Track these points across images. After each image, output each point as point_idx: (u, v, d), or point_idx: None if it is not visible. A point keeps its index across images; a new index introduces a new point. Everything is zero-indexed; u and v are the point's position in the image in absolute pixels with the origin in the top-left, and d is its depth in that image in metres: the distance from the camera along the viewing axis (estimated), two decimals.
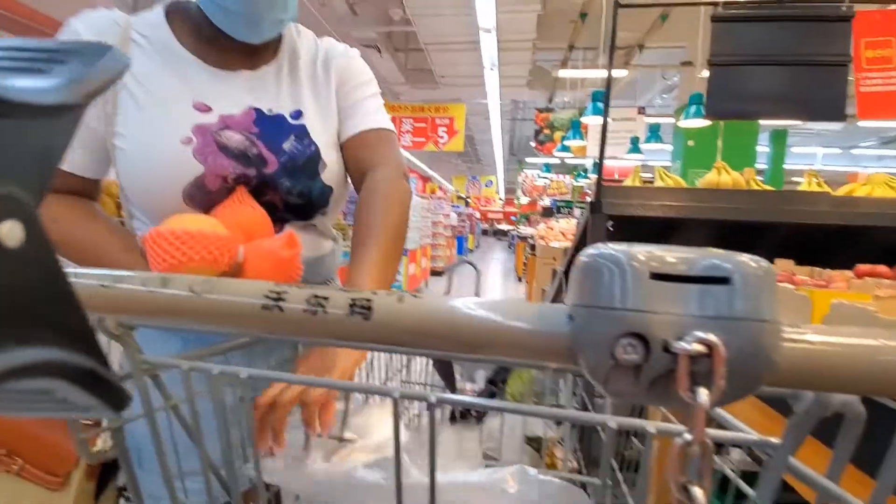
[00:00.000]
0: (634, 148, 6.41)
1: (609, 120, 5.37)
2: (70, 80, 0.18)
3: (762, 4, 1.36)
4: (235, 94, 0.71)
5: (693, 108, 4.46)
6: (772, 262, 1.41)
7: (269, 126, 0.71)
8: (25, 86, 0.17)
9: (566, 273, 2.04)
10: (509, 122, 11.29)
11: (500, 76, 6.44)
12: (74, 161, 0.68)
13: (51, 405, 0.20)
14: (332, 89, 0.77)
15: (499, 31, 5.00)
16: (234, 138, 0.68)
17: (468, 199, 20.55)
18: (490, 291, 8.25)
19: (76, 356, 0.19)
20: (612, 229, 1.36)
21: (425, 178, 15.18)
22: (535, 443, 0.82)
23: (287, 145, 0.71)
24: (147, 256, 0.55)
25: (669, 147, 6.91)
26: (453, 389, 0.76)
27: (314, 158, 0.72)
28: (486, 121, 9.55)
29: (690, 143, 6.35)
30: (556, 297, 2.32)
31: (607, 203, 1.36)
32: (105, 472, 0.84)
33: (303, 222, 0.75)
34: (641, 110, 6.97)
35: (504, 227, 26.46)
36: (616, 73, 6.37)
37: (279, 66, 0.75)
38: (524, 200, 17.75)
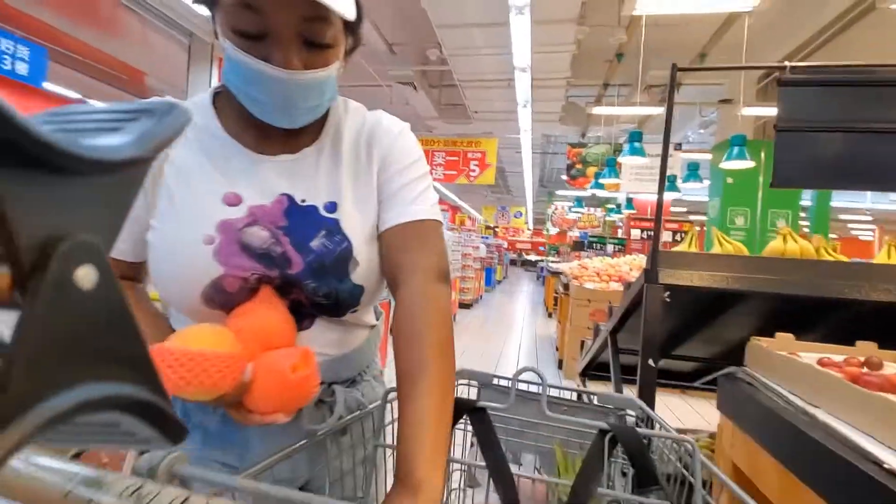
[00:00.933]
0: (671, 186, 6.27)
1: (645, 158, 5.23)
2: (139, 136, 0.19)
3: (832, 69, 1.28)
4: (270, 181, 0.66)
5: (735, 150, 4.33)
6: (851, 344, 1.29)
7: (299, 219, 0.65)
8: (97, 144, 0.18)
9: (612, 334, 1.94)
10: (540, 155, 11.29)
11: (533, 111, 6.45)
12: (116, 246, 0.65)
13: (116, 437, 0.21)
14: (373, 174, 0.71)
15: (533, 70, 5.03)
16: (259, 236, 0.63)
17: (496, 229, 20.50)
18: (522, 326, 8.09)
19: (142, 391, 0.20)
20: (668, 300, 1.27)
21: (455, 208, 15.27)
22: None
23: (315, 243, 0.64)
24: None
25: (706, 183, 6.73)
26: None
27: (345, 257, 0.65)
28: (517, 154, 9.56)
29: (730, 180, 6.15)
30: (599, 354, 2.21)
31: (664, 272, 1.27)
32: None
33: (334, 318, 0.70)
34: (678, 147, 6.85)
35: (532, 257, 26.21)
36: (652, 110, 6.31)
37: (320, 149, 0.70)
38: (553, 231, 17.59)
